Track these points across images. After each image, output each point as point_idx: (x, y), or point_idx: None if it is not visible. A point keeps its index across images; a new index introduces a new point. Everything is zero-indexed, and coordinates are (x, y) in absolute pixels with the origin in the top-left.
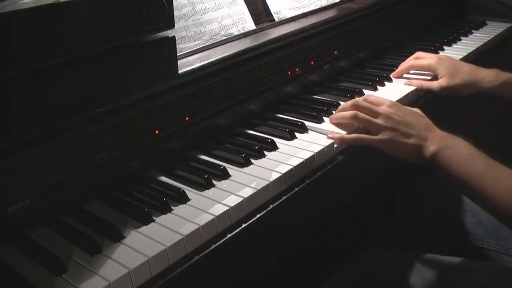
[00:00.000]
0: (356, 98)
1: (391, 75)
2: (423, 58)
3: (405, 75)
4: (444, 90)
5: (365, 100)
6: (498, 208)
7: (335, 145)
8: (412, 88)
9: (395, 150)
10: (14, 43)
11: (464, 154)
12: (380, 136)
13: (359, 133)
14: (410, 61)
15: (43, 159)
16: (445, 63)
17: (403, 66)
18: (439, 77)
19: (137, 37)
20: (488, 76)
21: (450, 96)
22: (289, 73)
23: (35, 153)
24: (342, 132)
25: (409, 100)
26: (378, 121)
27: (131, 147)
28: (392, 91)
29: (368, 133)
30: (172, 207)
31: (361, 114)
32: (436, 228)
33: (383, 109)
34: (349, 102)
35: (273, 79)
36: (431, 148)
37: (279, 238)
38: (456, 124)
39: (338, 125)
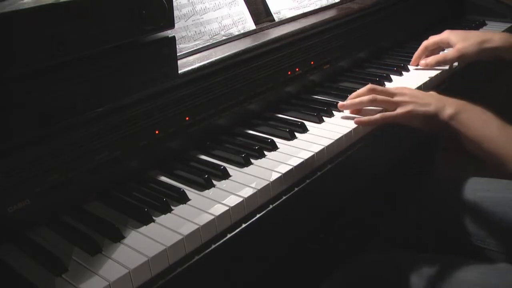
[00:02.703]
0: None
1: (409, 64)
2: (433, 37)
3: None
4: (460, 55)
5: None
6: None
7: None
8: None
9: (416, 120)
10: (14, 43)
11: (480, 117)
12: (401, 110)
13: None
14: (423, 43)
15: (43, 159)
16: (456, 32)
17: (418, 51)
18: (453, 44)
19: (137, 37)
20: (500, 35)
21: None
22: (289, 73)
23: (35, 153)
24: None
25: None
26: (396, 98)
27: (131, 147)
28: None
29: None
30: (172, 207)
31: (379, 96)
32: (436, 228)
33: (397, 89)
34: (365, 88)
35: (273, 79)
36: (449, 111)
37: (279, 238)
38: None
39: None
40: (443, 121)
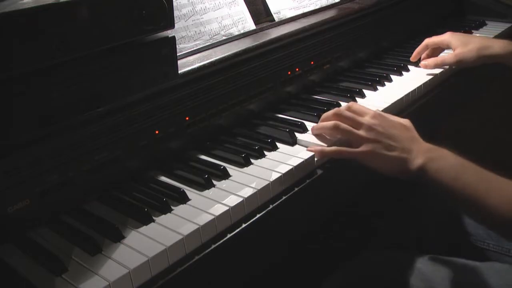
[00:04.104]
0: (339, 107)
1: (410, 59)
2: (435, 37)
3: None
4: (459, 59)
5: (348, 108)
6: (493, 219)
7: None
8: (411, 89)
9: (377, 163)
10: (14, 43)
11: (453, 166)
12: (361, 149)
13: (342, 144)
14: (425, 40)
15: (43, 159)
16: (457, 36)
17: (418, 47)
18: (453, 48)
19: (137, 37)
20: (500, 42)
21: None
22: (289, 73)
23: (35, 153)
24: (323, 144)
25: (409, 99)
26: (360, 132)
27: (131, 147)
28: (392, 91)
29: (350, 145)
30: (172, 207)
31: (342, 125)
32: (436, 229)
33: (366, 119)
34: (331, 111)
35: (273, 79)
36: (417, 161)
37: (279, 238)
38: (458, 123)
39: (320, 136)
40: (412, 171)
